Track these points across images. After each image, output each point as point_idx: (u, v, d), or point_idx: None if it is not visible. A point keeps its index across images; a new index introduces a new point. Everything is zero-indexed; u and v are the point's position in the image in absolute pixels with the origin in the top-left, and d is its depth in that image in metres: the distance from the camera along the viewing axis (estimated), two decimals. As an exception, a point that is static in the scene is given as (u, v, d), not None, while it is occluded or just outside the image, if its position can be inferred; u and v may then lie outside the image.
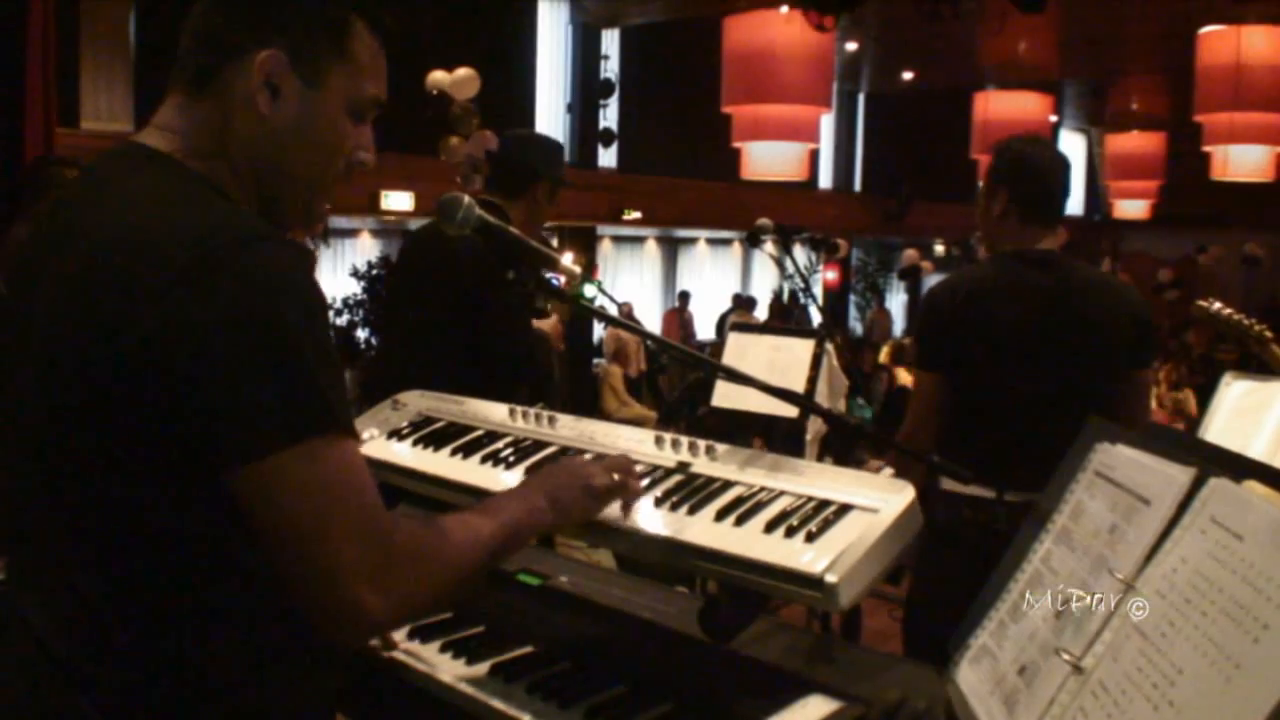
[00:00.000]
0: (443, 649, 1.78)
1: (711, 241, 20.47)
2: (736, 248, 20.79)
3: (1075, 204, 26.32)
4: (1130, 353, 2.95)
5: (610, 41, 16.20)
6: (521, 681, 1.66)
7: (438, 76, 9.30)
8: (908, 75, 18.89)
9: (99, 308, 1.20)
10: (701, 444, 1.80)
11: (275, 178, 1.39)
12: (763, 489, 1.67)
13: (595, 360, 12.33)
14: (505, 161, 3.56)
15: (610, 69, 16.11)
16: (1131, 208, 21.94)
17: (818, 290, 19.01)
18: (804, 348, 3.78)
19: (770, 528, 1.56)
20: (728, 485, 1.70)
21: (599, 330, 12.81)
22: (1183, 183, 19.87)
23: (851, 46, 16.35)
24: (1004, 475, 2.64)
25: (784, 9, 10.12)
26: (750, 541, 1.54)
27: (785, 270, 6.60)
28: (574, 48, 15.93)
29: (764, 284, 20.51)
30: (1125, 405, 2.92)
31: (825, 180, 20.86)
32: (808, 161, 12.06)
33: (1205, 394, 3.52)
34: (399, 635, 1.82)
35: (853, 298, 22.02)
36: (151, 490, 1.22)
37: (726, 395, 3.87)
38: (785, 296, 18.21)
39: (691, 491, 1.70)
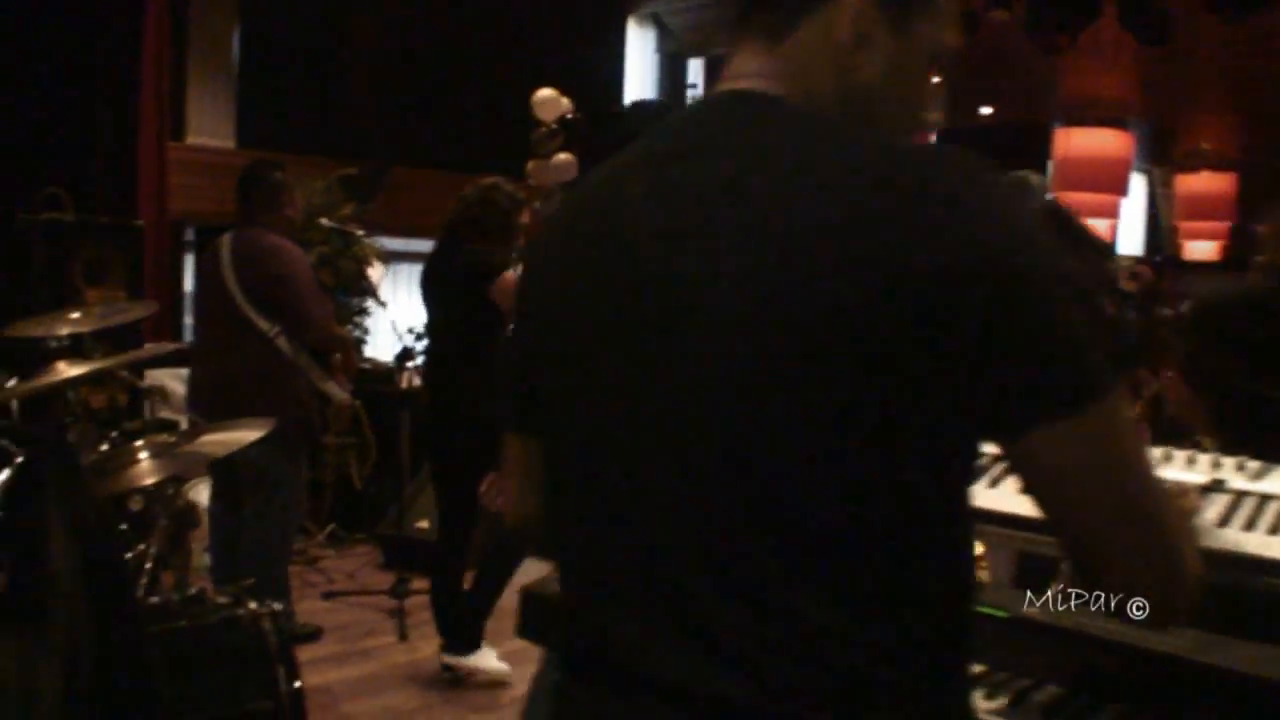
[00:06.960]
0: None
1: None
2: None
3: (1135, 244, 26.04)
4: None
5: (696, 71, 16.21)
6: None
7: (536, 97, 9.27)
8: (985, 110, 18.80)
9: (858, 253, 1.01)
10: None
11: None
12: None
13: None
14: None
15: (696, 97, 16.15)
16: (1201, 249, 21.74)
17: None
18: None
19: None
20: None
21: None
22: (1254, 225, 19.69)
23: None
24: None
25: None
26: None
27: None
28: (660, 76, 15.96)
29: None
30: None
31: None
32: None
33: None
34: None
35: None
36: (910, 458, 1.02)
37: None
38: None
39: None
